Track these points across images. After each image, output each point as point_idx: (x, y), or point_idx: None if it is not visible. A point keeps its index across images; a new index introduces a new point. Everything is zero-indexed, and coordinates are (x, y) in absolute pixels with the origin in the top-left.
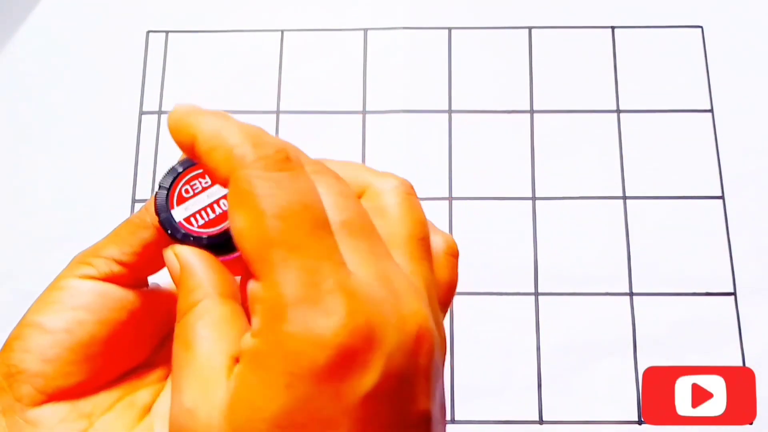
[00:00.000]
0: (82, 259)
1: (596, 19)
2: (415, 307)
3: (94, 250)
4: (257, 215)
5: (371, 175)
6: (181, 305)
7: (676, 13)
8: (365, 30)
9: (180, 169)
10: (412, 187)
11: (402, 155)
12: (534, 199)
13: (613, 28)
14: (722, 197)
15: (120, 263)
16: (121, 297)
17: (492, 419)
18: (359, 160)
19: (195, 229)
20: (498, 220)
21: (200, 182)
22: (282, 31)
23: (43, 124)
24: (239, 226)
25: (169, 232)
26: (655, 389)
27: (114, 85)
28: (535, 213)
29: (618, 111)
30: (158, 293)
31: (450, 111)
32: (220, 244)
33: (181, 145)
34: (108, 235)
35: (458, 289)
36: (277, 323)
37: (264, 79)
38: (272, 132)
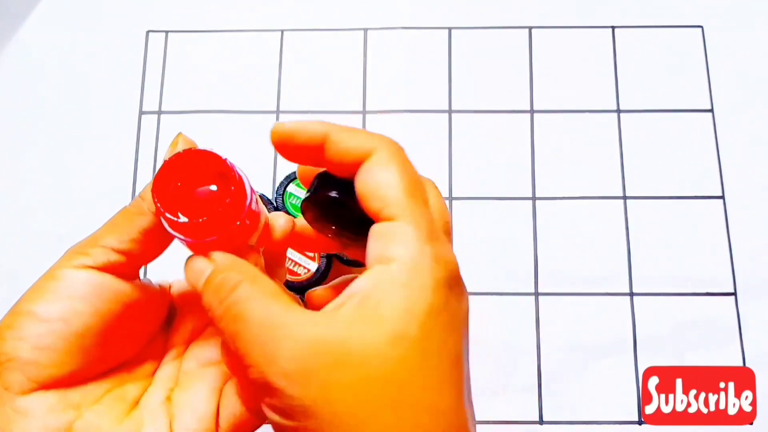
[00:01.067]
0: (77, 250)
1: (596, 19)
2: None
3: (90, 241)
4: (403, 172)
5: (371, 138)
6: (218, 292)
7: (676, 13)
8: (365, 30)
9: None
10: (401, 148)
11: None
12: (534, 199)
13: (613, 28)
14: (722, 197)
15: (118, 251)
16: (117, 288)
17: (492, 419)
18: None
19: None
20: (498, 220)
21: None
22: (282, 31)
23: (43, 123)
24: (385, 179)
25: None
26: (655, 389)
27: (114, 85)
28: (535, 213)
29: (618, 111)
30: (151, 289)
31: (450, 111)
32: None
33: (308, 144)
34: (104, 225)
35: None
36: (425, 244)
37: (264, 78)
38: None
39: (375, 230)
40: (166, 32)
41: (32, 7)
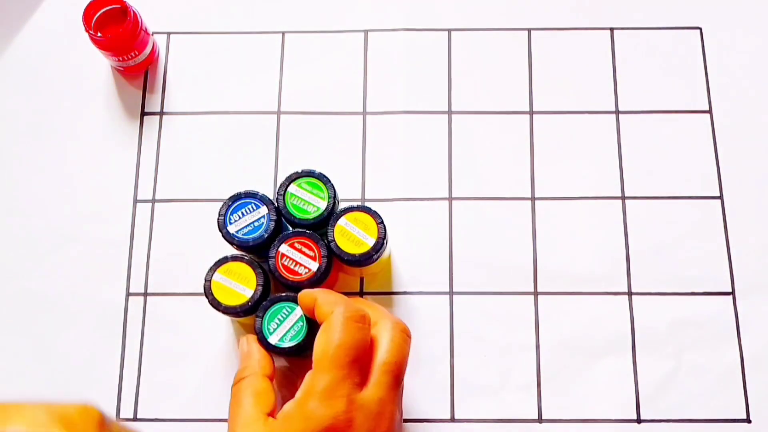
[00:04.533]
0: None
1: (595, 21)
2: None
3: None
4: (330, 341)
5: (382, 316)
6: (238, 375)
7: (674, 15)
8: (366, 31)
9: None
10: (406, 329)
11: (402, 155)
12: (533, 199)
13: (612, 29)
14: (721, 197)
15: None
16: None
17: (491, 418)
18: (359, 160)
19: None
20: (498, 220)
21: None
22: (283, 33)
23: (44, 124)
24: (320, 342)
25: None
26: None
27: (116, 85)
28: (534, 213)
29: (617, 112)
30: None
31: (450, 112)
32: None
33: (305, 304)
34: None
35: (458, 289)
36: (306, 400)
37: (265, 80)
38: (273, 132)
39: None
40: (168, 33)
41: (34, 9)
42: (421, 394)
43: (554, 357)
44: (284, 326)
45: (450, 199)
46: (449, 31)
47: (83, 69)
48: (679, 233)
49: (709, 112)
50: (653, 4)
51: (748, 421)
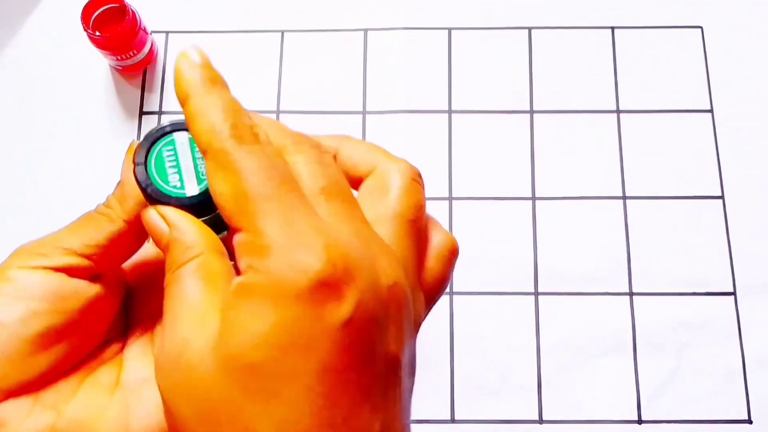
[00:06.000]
0: (31, 250)
1: (596, 20)
2: (387, 264)
3: (47, 242)
4: (234, 176)
5: (384, 156)
6: (175, 260)
7: (676, 14)
8: (365, 30)
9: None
10: (419, 174)
11: (402, 155)
12: (534, 199)
13: (613, 28)
14: (722, 197)
15: (81, 255)
16: (75, 286)
17: (492, 419)
18: None
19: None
20: (498, 220)
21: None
22: (282, 32)
23: (43, 124)
24: (219, 188)
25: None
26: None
27: (115, 85)
28: (535, 213)
29: (618, 111)
30: (107, 276)
31: (450, 111)
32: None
33: (178, 93)
34: (65, 228)
35: (458, 288)
36: (263, 260)
37: (264, 79)
38: None
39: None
40: (167, 33)
41: (33, 8)
42: (421, 395)
43: (555, 357)
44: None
45: (450, 199)
46: (449, 29)
47: (82, 68)
48: (680, 233)
49: (711, 111)
50: (654, 3)
51: (749, 421)
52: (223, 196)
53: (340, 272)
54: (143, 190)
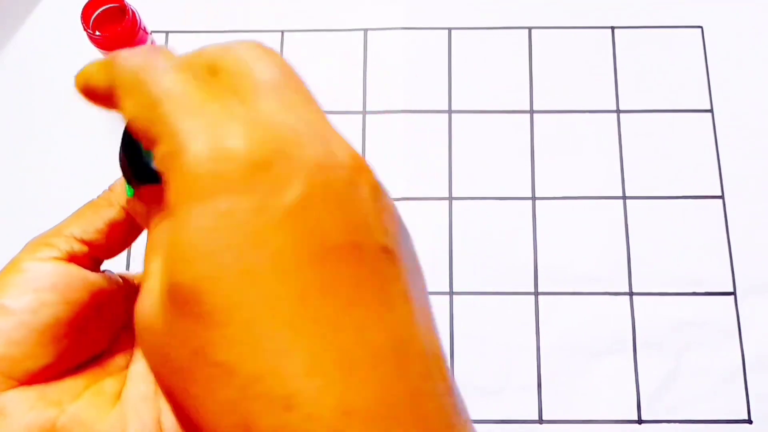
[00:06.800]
0: (40, 242)
1: (596, 20)
2: (340, 140)
3: (53, 232)
4: (141, 95)
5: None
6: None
7: (676, 14)
8: (365, 30)
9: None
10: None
11: (402, 155)
12: (534, 199)
13: (613, 28)
14: (722, 197)
15: (82, 241)
16: (83, 277)
17: (492, 418)
18: None
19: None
20: (498, 219)
21: None
22: (282, 32)
23: (43, 124)
24: (129, 111)
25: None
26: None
27: None
28: (535, 213)
29: (618, 111)
30: (115, 280)
31: (450, 111)
32: None
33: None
34: (69, 217)
35: (458, 288)
36: (181, 158)
37: None
38: None
39: None
40: (167, 32)
41: (33, 8)
42: None
43: (555, 357)
44: None
45: (450, 198)
46: (449, 29)
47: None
48: (680, 233)
49: (711, 111)
50: (654, 3)
51: (749, 421)
52: (134, 117)
53: (275, 153)
54: (124, 172)
